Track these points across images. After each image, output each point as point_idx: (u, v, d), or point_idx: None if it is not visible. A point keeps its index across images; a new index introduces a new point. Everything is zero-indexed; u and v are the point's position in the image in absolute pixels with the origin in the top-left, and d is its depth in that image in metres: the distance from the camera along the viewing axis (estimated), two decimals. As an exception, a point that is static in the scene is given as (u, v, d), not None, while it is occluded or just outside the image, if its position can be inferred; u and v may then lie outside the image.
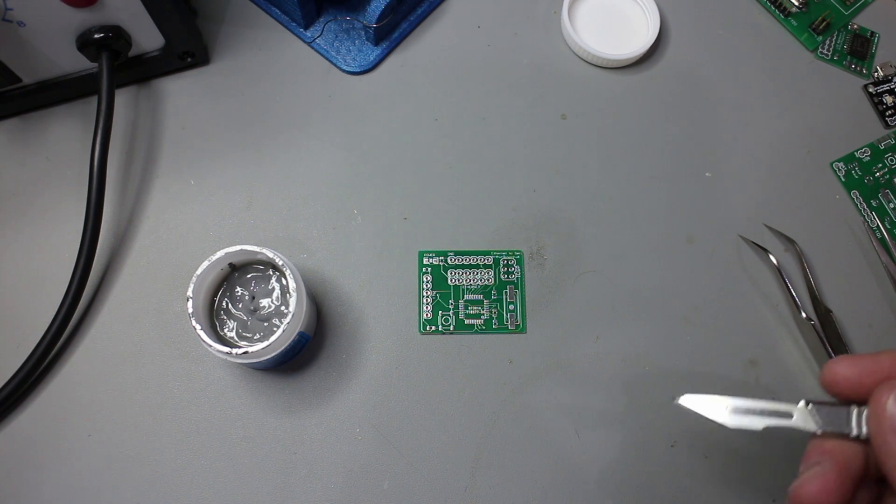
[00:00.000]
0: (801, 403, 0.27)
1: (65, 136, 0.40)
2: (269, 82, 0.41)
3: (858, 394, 0.25)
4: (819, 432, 0.26)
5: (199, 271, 0.31)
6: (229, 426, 0.35)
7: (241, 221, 0.39)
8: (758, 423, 0.27)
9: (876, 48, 0.44)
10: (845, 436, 0.25)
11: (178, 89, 0.41)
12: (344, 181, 0.40)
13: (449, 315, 0.37)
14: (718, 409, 0.28)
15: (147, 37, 0.37)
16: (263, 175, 0.39)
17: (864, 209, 0.41)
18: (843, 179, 0.41)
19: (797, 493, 0.25)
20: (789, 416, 0.27)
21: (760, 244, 0.39)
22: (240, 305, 0.34)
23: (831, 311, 0.37)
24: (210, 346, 0.30)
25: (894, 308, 0.39)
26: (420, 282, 0.38)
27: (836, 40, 0.44)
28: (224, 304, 0.34)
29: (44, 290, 0.36)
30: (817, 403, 0.26)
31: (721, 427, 0.37)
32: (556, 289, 0.38)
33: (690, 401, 0.28)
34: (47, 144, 0.39)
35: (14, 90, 0.37)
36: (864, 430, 0.25)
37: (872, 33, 0.44)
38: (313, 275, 0.38)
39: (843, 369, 0.25)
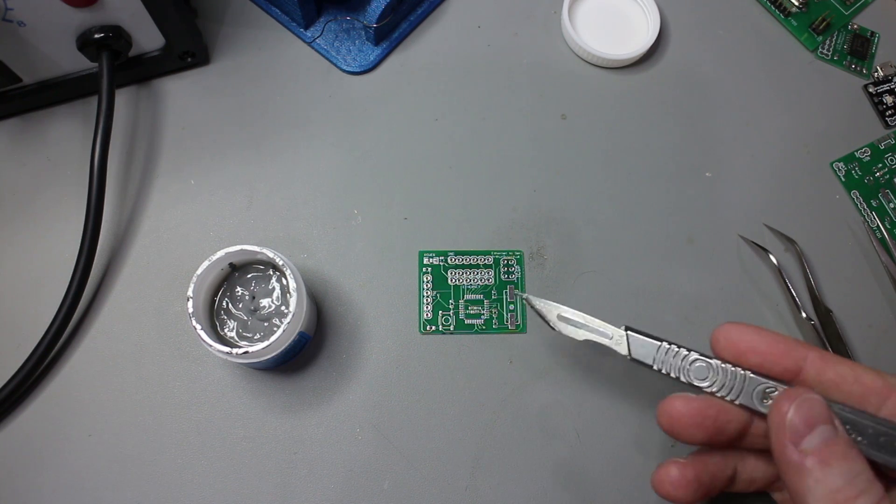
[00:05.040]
0: (622, 328, 0.30)
1: (65, 136, 0.40)
2: (269, 82, 0.41)
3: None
4: (629, 358, 0.29)
5: (199, 271, 0.31)
6: (229, 426, 0.35)
7: (241, 221, 0.39)
8: (580, 334, 0.30)
9: (876, 48, 0.44)
10: (649, 367, 0.29)
11: (178, 89, 0.41)
12: (344, 181, 0.40)
13: (449, 315, 0.37)
14: (552, 312, 0.31)
15: (147, 37, 0.37)
16: (263, 175, 0.39)
17: (864, 209, 0.41)
18: (843, 179, 0.41)
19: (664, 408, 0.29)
20: (608, 336, 0.30)
21: (760, 244, 0.39)
22: (240, 305, 0.34)
23: (831, 311, 0.37)
24: (210, 346, 0.31)
25: (894, 308, 0.39)
26: (420, 282, 0.38)
27: (836, 40, 0.44)
28: (224, 304, 0.34)
29: (44, 290, 0.36)
30: (635, 331, 0.29)
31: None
32: (556, 289, 0.38)
33: (532, 300, 0.31)
34: (47, 144, 0.39)
35: (14, 90, 0.37)
36: (672, 366, 0.29)
37: (872, 33, 0.44)
38: (313, 275, 0.38)
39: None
